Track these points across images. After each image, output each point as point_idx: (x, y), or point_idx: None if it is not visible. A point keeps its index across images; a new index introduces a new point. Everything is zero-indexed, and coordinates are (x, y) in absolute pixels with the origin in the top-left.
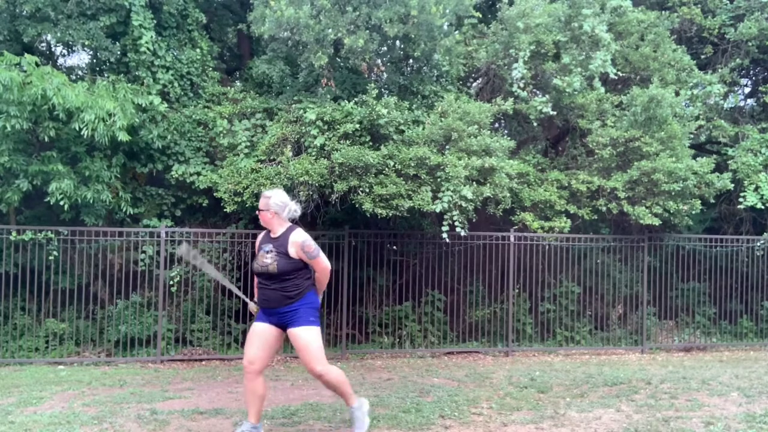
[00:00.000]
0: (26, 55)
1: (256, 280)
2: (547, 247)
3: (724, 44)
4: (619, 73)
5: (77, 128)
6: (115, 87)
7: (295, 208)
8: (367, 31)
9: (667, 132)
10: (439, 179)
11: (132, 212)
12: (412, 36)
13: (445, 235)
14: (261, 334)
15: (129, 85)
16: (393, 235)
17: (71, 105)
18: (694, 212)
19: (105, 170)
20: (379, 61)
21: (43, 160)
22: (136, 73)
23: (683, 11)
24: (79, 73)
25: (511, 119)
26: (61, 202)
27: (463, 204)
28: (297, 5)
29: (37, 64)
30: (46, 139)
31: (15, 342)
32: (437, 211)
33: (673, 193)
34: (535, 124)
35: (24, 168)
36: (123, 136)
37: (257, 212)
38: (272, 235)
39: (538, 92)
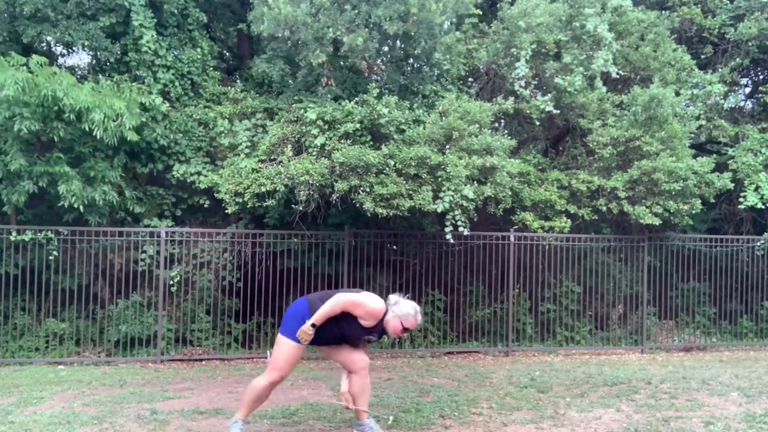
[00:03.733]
0: (33, 56)
1: None
2: (547, 247)
3: (724, 44)
4: (620, 72)
5: (87, 128)
6: (119, 87)
7: None
8: (367, 30)
9: (668, 132)
10: (439, 179)
11: (135, 212)
12: (412, 34)
13: (449, 236)
14: (301, 354)
15: (132, 84)
16: (393, 235)
17: (81, 105)
18: (694, 212)
19: (110, 170)
20: (379, 60)
21: (48, 161)
22: (137, 72)
23: (683, 11)
24: (80, 73)
25: (511, 119)
26: (75, 204)
27: (464, 203)
28: (295, 3)
29: (43, 65)
30: (55, 139)
31: (15, 342)
32: (438, 210)
33: (673, 193)
34: (536, 123)
35: (28, 169)
36: (132, 136)
37: (407, 333)
38: None
39: (538, 91)
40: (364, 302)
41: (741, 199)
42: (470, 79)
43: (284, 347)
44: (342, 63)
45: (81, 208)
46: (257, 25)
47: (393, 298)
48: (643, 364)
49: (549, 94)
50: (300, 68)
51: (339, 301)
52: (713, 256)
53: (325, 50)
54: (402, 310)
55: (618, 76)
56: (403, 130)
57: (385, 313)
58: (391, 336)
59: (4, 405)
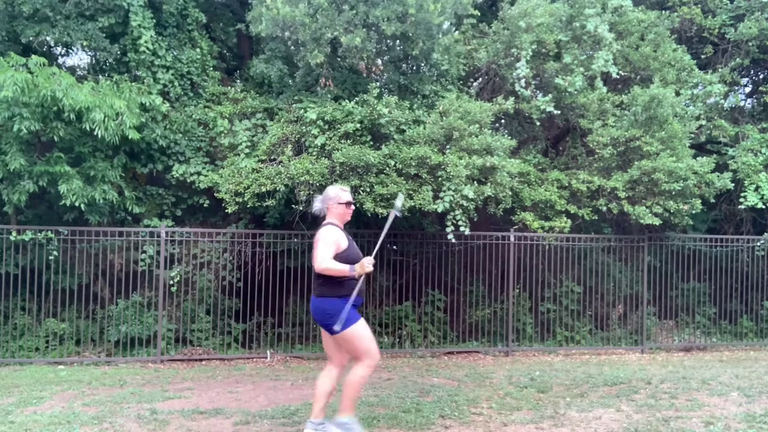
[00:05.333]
0: (33, 56)
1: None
2: (547, 247)
3: (724, 44)
4: (620, 72)
5: (88, 128)
6: (119, 86)
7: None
8: (365, 30)
9: (668, 132)
10: (440, 179)
11: (135, 212)
12: (410, 34)
13: (450, 236)
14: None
15: (132, 84)
16: (393, 235)
17: (80, 105)
18: (694, 212)
19: (110, 170)
20: (378, 60)
21: (48, 161)
22: (137, 72)
23: (683, 11)
24: (80, 73)
25: (511, 119)
26: (77, 203)
27: (465, 203)
28: (293, 4)
29: (42, 65)
30: (56, 139)
31: (15, 342)
32: (439, 210)
33: (673, 193)
34: (536, 123)
35: (29, 169)
36: (133, 134)
37: (352, 206)
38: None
39: (539, 92)
40: (326, 236)
41: (741, 199)
42: (470, 79)
43: (357, 335)
44: (341, 63)
45: (82, 206)
46: (256, 25)
47: (316, 204)
48: (643, 364)
49: (549, 94)
50: (298, 68)
51: (326, 254)
52: (713, 256)
53: (323, 50)
54: (330, 197)
55: (618, 76)
56: (404, 130)
57: (330, 221)
58: (346, 221)
59: (4, 405)
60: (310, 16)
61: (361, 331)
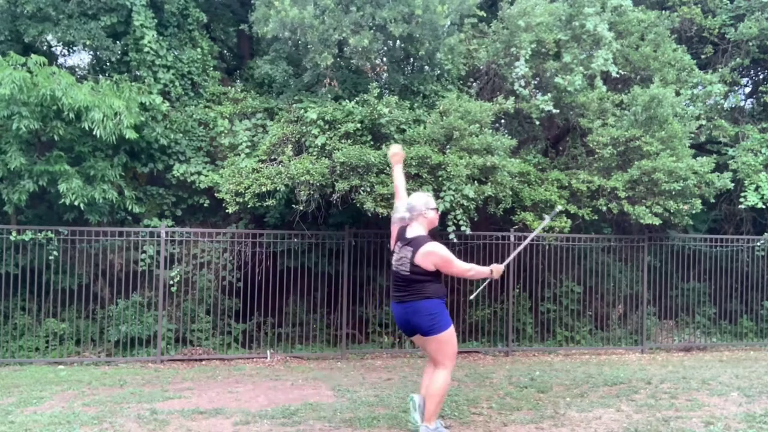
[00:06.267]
0: (32, 55)
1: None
2: (547, 247)
3: (724, 44)
4: (620, 72)
5: (87, 127)
6: (118, 86)
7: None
8: (372, 31)
9: (668, 131)
10: (440, 178)
11: (135, 211)
12: (417, 35)
13: (452, 235)
14: None
15: (132, 84)
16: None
17: (80, 104)
18: (694, 212)
19: (109, 169)
20: (379, 60)
21: (48, 160)
22: (137, 72)
23: (683, 11)
24: (80, 72)
25: (511, 119)
26: (76, 202)
27: (465, 203)
28: (301, 5)
29: (42, 65)
30: (56, 138)
31: (15, 342)
32: (439, 210)
33: (673, 193)
34: (536, 123)
35: (29, 168)
36: (131, 134)
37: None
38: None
39: (538, 91)
40: (444, 250)
41: (741, 199)
42: (470, 79)
43: (449, 340)
44: (344, 64)
45: (81, 206)
46: (260, 26)
47: (404, 214)
48: (643, 364)
49: (549, 94)
50: (302, 69)
51: (451, 256)
52: (713, 256)
53: (331, 52)
54: (417, 205)
55: (618, 76)
56: (404, 130)
57: (421, 233)
58: (434, 226)
59: (4, 405)
60: (317, 18)
61: (454, 333)
